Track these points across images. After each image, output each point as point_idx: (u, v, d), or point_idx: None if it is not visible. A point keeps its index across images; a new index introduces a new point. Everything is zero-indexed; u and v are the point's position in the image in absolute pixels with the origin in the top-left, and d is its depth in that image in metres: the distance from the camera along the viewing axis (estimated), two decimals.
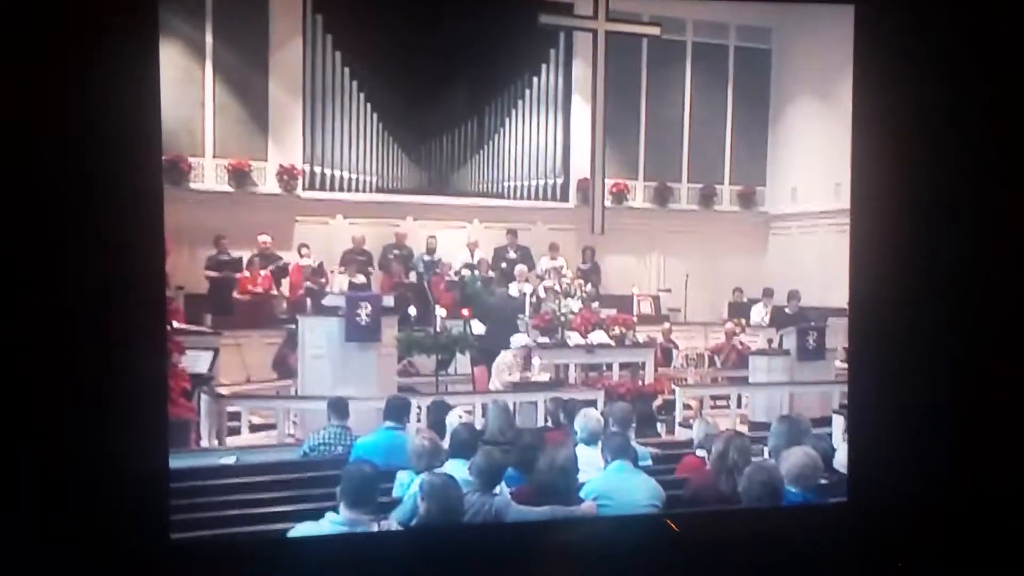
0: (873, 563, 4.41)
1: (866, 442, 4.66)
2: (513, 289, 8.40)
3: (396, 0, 8.33)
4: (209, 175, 8.53)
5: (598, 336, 7.69)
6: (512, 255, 9.10)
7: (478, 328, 7.68)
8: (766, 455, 4.59)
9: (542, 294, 8.34)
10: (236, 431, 6.21)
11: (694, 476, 4.56)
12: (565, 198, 9.86)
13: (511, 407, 6.07)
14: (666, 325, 8.63)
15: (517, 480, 4.41)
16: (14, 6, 3.65)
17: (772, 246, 10.26)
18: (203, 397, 5.99)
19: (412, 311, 7.43)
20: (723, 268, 9.65)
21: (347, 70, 9.02)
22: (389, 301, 6.90)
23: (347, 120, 9.11)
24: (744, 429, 6.34)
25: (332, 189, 9.10)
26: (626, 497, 4.30)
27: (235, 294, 7.86)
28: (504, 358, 7.06)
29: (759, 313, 8.88)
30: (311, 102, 8.94)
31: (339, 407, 5.48)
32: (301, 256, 8.41)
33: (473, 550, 4.03)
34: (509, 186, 9.74)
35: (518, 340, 7.21)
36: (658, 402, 7.22)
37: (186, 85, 8.19)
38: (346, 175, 9.14)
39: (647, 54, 9.96)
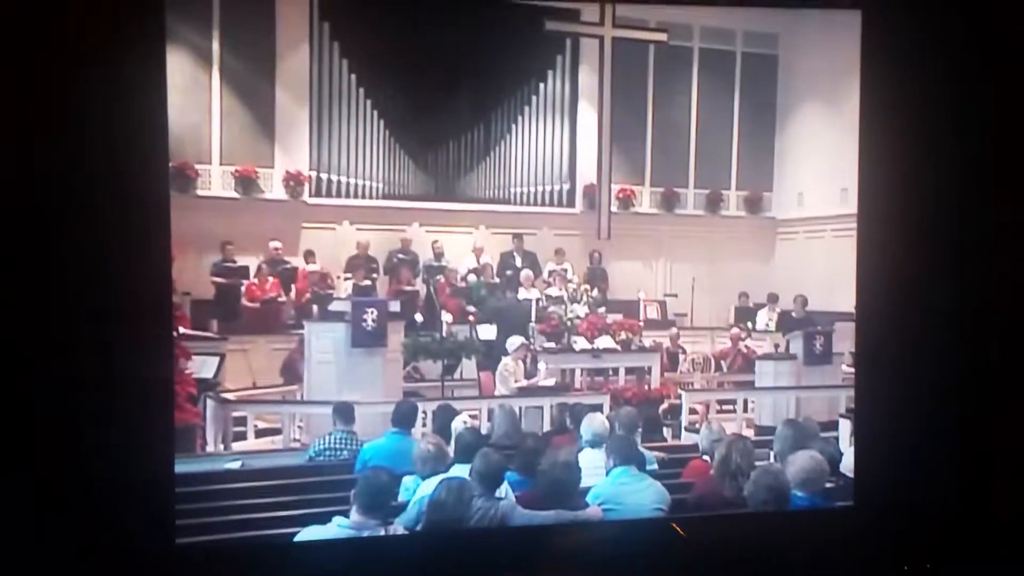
0: (879, 567, 4.39)
1: (873, 446, 4.64)
2: (519, 295, 8.40)
3: (403, 7, 8.35)
4: (216, 182, 8.56)
5: (604, 341, 7.69)
6: (518, 261, 9.10)
7: (484, 333, 7.66)
8: (772, 459, 4.57)
9: (544, 301, 8.34)
10: (242, 436, 6.22)
11: (699, 480, 4.54)
12: (572, 204, 9.87)
13: (517, 411, 6.08)
14: (672, 330, 8.61)
15: (522, 484, 4.40)
16: (21, 14, 3.68)
17: (779, 251, 10.24)
18: (209, 402, 6.00)
19: (418, 316, 7.43)
20: (730, 273, 9.64)
21: (354, 77, 9.05)
22: (395, 306, 6.91)
23: (353, 126, 9.13)
24: (750, 433, 6.32)
25: (339, 195, 9.13)
26: (632, 501, 4.27)
27: (244, 301, 7.87)
28: (505, 365, 7.04)
29: (765, 318, 8.86)
30: (318, 109, 8.96)
31: (345, 412, 5.48)
32: (308, 263, 8.43)
33: (479, 554, 4.03)
34: (515, 192, 9.75)
35: (514, 342, 7.17)
36: (664, 406, 7.21)
37: (193, 92, 8.22)
38: (352, 181, 9.17)
39: (654, 60, 9.97)
